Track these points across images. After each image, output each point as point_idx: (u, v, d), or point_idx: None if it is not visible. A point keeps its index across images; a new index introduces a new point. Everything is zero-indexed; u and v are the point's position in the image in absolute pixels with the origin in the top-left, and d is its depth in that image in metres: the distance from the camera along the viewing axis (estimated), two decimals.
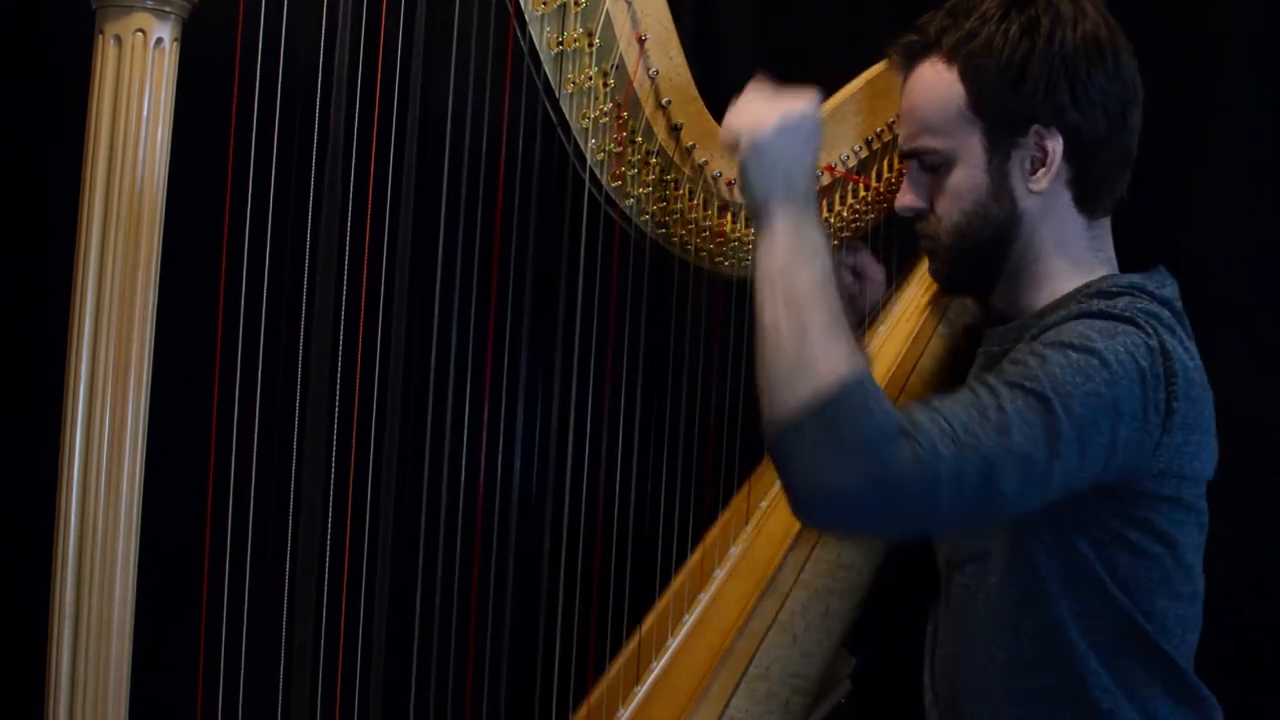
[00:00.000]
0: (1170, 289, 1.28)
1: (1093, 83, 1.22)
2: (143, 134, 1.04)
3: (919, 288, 1.51)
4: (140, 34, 1.03)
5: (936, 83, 1.25)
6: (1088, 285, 1.26)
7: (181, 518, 1.21)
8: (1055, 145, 1.22)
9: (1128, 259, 1.32)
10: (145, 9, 1.03)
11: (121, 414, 1.04)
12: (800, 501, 1.12)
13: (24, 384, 1.39)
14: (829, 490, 1.09)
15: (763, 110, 1.20)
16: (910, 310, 1.49)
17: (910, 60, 1.30)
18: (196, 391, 1.21)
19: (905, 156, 1.31)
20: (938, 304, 1.48)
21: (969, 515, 1.14)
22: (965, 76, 1.23)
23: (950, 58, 1.25)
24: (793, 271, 1.13)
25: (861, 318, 1.51)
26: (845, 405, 1.08)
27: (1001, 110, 1.23)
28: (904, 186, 1.32)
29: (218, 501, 1.16)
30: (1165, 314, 1.22)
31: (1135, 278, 1.27)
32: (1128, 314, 1.17)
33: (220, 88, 1.14)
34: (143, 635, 1.07)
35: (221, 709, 1.15)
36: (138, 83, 1.04)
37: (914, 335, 1.46)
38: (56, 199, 1.37)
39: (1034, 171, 1.24)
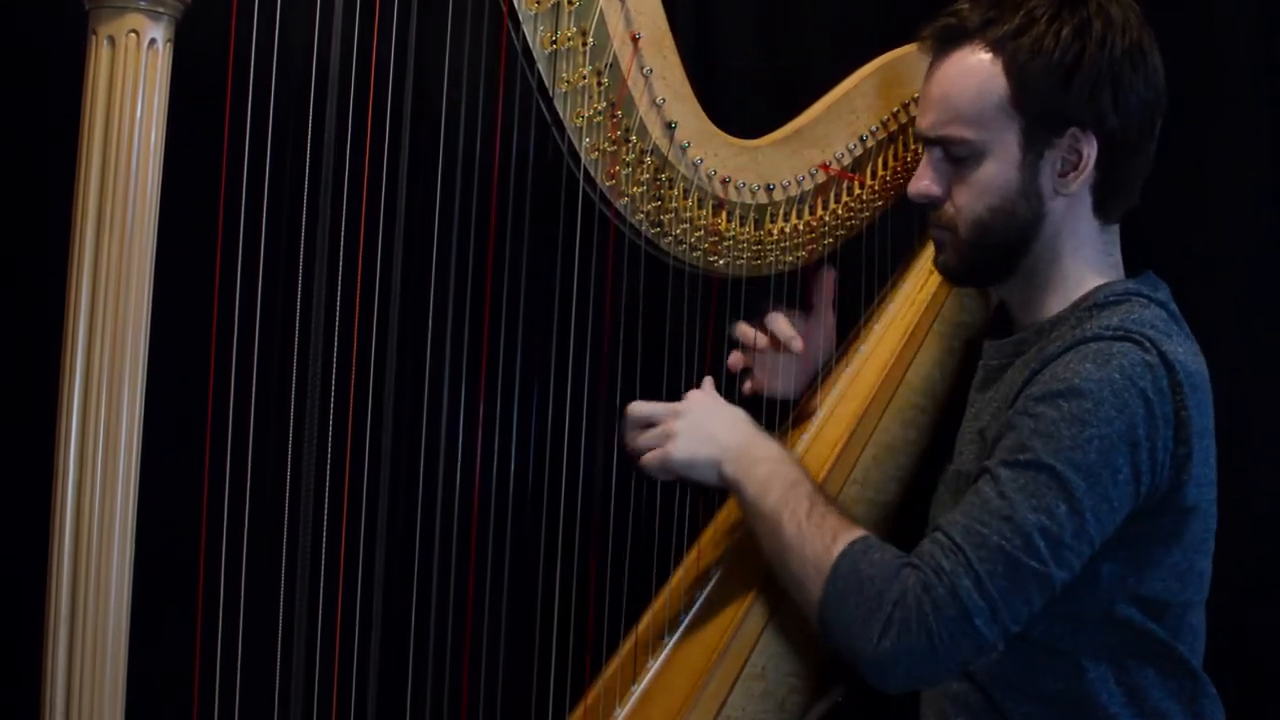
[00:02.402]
0: (1163, 292, 1.27)
1: (1133, 90, 1.21)
2: (136, 135, 1.04)
3: (915, 283, 1.51)
4: (134, 35, 1.03)
5: (977, 72, 1.23)
6: (1085, 298, 1.25)
7: (178, 517, 1.21)
8: (1090, 149, 1.22)
9: (1129, 258, 1.32)
10: (138, 10, 1.03)
11: (116, 414, 1.03)
12: (870, 678, 1.16)
13: (22, 384, 1.39)
14: (875, 654, 1.13)
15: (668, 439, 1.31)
16: (905, 307, 1.49)
17: (945, 45, 1.27)
18: (191, 391, 1.21)
19: (930, 143, 1.28)
20: (935, 299, 1.48)
21: (1020, 602, 1.12)
22: (1010, 70, 1.21)
23: (995, 49, 1.22)
24: (758, 509, 1.25)
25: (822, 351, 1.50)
26: (840, 580, 1.16)
27: (1044, 109, 1.21)
28: (921, 171, 1.29)
29: (213, 501, 1.16)
30: (1162, 315, 1.22)
31: (1130, 284, 1.26)
32: (1122, 330, 1.17)
33: (214, 88, 1.15)
34: (139, 635, 1.07)
35: (218, 709, 1.15)
36: (131, 84, 1.03)
37: (909, 331, 1.45)
38: (54, 200, 1.37)
39: (1064, 174, 1.23)
